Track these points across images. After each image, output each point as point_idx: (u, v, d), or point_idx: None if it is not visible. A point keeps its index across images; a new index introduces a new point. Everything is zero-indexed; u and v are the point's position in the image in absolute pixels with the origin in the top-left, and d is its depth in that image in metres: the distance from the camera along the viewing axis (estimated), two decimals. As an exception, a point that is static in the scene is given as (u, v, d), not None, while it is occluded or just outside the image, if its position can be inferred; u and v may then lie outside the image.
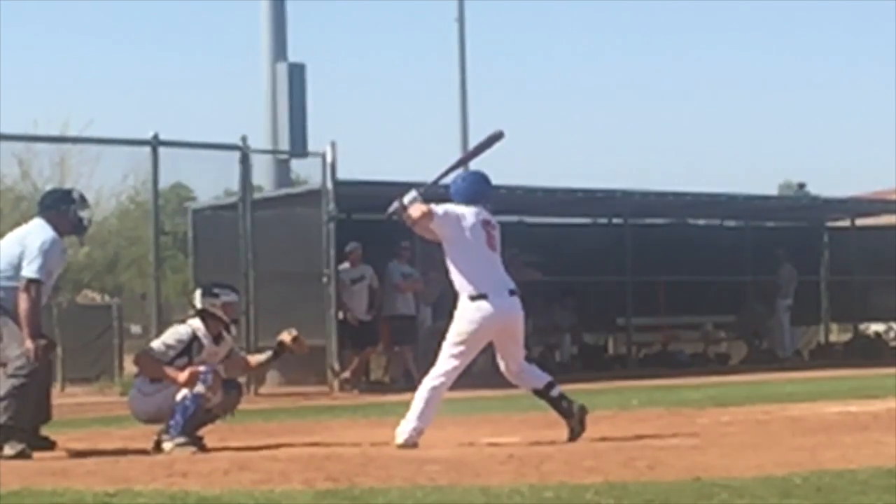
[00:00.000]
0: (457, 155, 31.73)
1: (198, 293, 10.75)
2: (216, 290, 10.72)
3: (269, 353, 11.15)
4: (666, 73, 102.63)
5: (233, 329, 10.88)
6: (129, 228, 30.28)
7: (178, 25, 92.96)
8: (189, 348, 10.41)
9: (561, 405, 10.31)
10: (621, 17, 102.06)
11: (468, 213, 10.27)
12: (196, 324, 10.55)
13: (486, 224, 10.32)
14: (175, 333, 10.55)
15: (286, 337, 10.98)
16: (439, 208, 10.25)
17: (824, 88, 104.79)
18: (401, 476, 7.91)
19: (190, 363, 10.33)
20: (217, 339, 10.60)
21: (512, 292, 10.23)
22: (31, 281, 9.91)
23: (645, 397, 15.74)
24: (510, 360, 10.36)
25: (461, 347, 10.14)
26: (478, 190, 10.46)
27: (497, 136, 10.63)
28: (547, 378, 10.40)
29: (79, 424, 13.26)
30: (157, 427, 10.33)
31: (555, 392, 10.35)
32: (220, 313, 10.59)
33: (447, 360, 10.14)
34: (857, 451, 8.74)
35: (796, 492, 6.85)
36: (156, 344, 10.58)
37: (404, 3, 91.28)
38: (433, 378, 10.14)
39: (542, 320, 22.39)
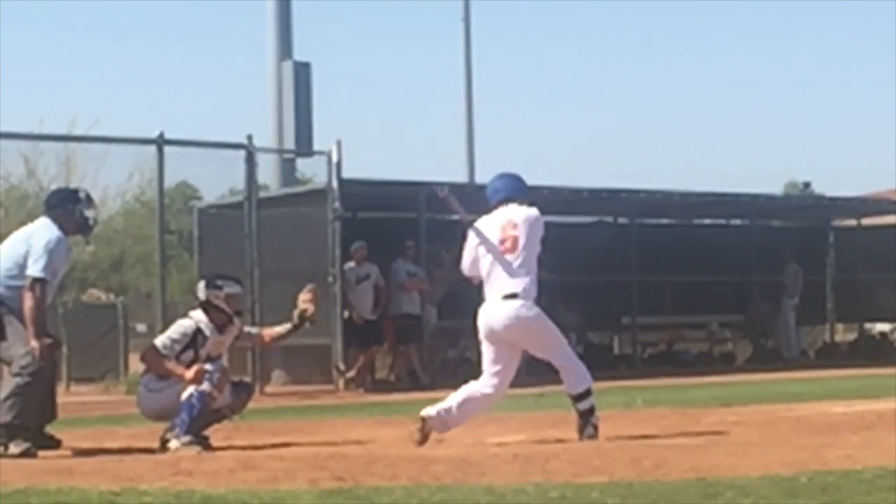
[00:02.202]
0: (461, 153, 31.83)
1: (201, 284, 10.75)
2: (219, 282, 10.71)
3: (287, 326, 11.01)
4: (672, 72, 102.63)
5: (236, 321, 10.80)
6: (134, 227, 30.37)
7: (184, 25, 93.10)
8: (194, 341, 10.41)
9: (579, 422, 10.24)
10: (627, 17, 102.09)
11: (487, 222, 10.26)
12: (198, 315, 10.55)
13: (504, 226, 10.19)
14: (179, 327, 10.57)
15: (308, 306, 10.93)
16: (465, 252, 10.32)
17: (830, 88, 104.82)
18: (406, 475, 7.91)
19: (196, 356, 10.34)
20: (221, 328, 10.58)
21: (508, 296, 10.07)
22: (35, 280, 9.92)
23: (650, 397, 15.73)
24: (549, 361, 10.35)
25: (484, 353, 10.22)
26: (504, 192, 10.41)
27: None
28: (580, 388, 10.19)
29: (84, 423, 13.27)
30: (163, 425, 10.34)
31: (581, 405, 10.21)
32: (223, 305, 10.58)
33: (484, 367, 10.23)
34: (863, 451, 8.73)
35: (802, 491, 6.84)
36: (160, 340, 10.58)
37: (410, 2, 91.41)
38: (478, 387, 10.19)
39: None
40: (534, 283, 10.12)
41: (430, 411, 10.00)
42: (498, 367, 10.12)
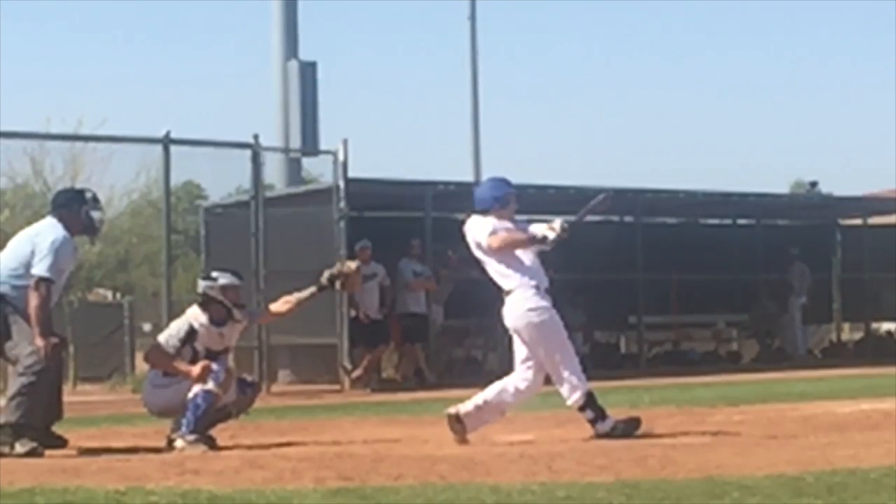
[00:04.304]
0: (468, 152, 31.89)
1: (199, 279, 10.76)
2: (215, 274, 10.70)
3: (312, 289, 10.92)
4: (678, 71, 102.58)
5: (238, 314, 10.72)
6: (140, 226, 30.31)
7: (190, 24, 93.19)
8: (190, 338, 10.39)
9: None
10: (633, 16, 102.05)
11: None
12: (192, 311, 10.54)
13: None
14: (176, 324, 10.59)
15: (353, 277, 10.93)
16: None
17: (836, 87, 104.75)
18: (412, 474, 7.91)
19: (195, 353, 10.33)
20: (221, 322, 10.57)
21: (505, 293, 10.25)
22: (41, 279, 9.91)
23: (656, 396, 15.73)
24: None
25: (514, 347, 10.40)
26: (475, 204, 10.57)
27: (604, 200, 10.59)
28: (574, 404, 10.22)
29: (90, 422, 13.27)
30: (169, 423, 10.35)
31: (585, 415, 10.25)
32: (220, 297, 10.53)
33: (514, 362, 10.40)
34: (869, 450, 8.73)
35: (808, 490, 6.84)
36: (163, 337, 10.58)
37: (416, 1, 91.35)
38: (511, 381, 10.30)
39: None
40: (525, 270, 10.21)
41: (460, 409, 10.06)
42: (522, 358, 10.20)
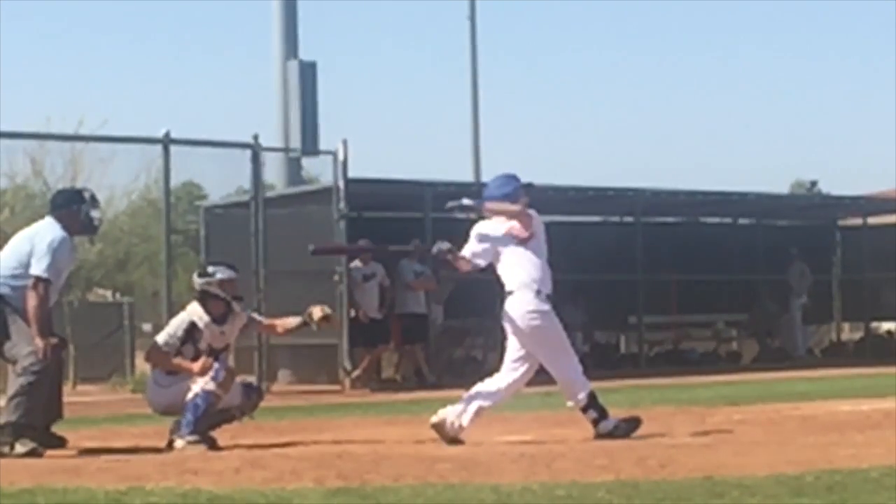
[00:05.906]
0: (467, 152, 31.85)
1: (195, 276, 10.75)
2: (210, 269, 10.69)
3: (299, 320, 10.97)
4: (678, 71, 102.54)
5: (237, 308, 10.73)
6: (140, 226, 30.29)
7: (191, 24, 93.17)
8: (190, 335, 10.39)
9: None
10: (633, 15, 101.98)
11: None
12: (193, 309, 10.53)
13: None
14: (174, 322, 10.60)
15: (317, 313, 10.92)
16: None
17: (836, 87, 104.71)
18: (412, 474, 7.92)
19: (196, 350, 10.33)
20: (222, 318, 10.56)
21: (508, 292, 10.27)
22: (39, 279, 9.91)
23: (657, 396, 15.73)
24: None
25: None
26: None
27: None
28: (577, 404, 10.29)
29: (90, 422, 13.28)
30: (170, 423, 10.35)
31: (588, 415, 10.29)
32: (218, 291, 10.53)
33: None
34: (869, 450, 8.73)
35: (808, 490, 6.84)
36: (161, 337, 10.58)
37: (416, 1, 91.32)
38: (491, 381, 10.33)
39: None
40: (530, 272, 10.23)
41: (447, 415, 10.05)
42: (512, 359, 10.21)
